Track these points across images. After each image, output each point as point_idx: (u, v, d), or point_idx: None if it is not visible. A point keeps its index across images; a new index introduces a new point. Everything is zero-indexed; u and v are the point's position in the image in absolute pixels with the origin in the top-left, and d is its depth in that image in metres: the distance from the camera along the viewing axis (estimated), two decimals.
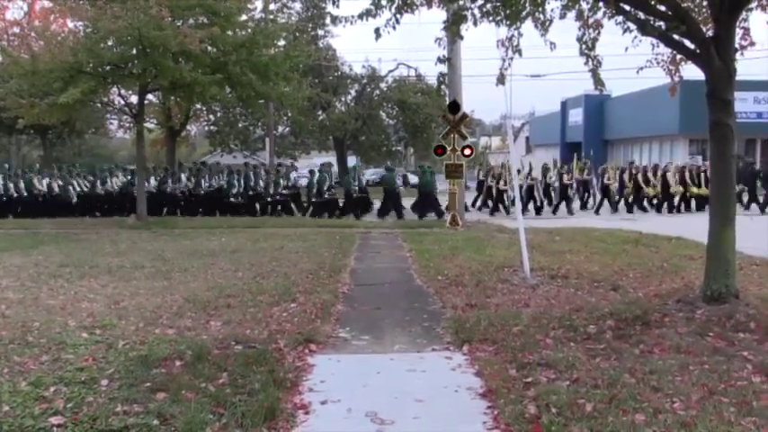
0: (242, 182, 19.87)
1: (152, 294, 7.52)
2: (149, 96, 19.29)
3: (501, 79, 7.27)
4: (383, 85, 35.00)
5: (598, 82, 7.24)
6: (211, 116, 31.93)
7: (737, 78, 6.45)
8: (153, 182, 19.98)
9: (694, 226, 10.90)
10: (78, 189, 19.66)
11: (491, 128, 66.33)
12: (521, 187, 20.05)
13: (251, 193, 19.69)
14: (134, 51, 15.40)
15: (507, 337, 5.53)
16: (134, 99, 18.45)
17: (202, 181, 19.96)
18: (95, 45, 14.99)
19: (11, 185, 19.44)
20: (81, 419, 3.82)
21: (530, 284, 7.95)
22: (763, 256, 9.60)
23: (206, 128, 35.06)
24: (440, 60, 7.14)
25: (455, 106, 15.01)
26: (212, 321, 6.28)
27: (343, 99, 36.03)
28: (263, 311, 6.63)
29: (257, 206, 19.64)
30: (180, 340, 5.50)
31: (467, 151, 15.11)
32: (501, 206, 20.19)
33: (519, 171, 20.60)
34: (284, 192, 19.89)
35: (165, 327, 6.04)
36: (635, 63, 7.70)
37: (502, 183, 19.90)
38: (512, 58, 7.15)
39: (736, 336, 5.39)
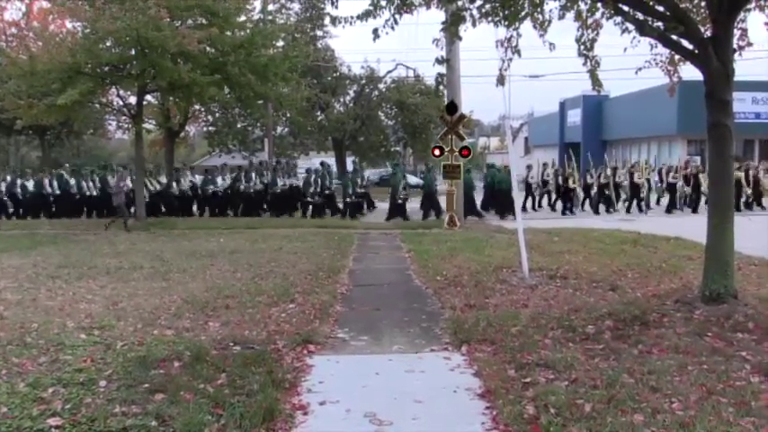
0: (319, 181, 19.57)
1: (150, 295, 7.51)
2: (148, 97, 19.28)
3: (501, 80, 7.28)
4: (382, 86, 34.97)
5: (596, 82, 7.25)
6: (210, 117, 31.87)
7: (736, 79, 6.46)
8: (221, 181, 20.14)
9: (693, 226, 10.92)
10: (152, 188, 19.86)
11: (489, 128, 66.36)
12: (589, 186, 20.26)
13: (327, 192, 19.50)
14: (133, 52, 15.39)
15: (506, 337, 5.53)
16: (133, 100, 18.46)
17: (278, 179, 19.89)
18: (94, 46, 14.98)
19: (84, 184, 19.85)
20: (79, 421, 3.82)
21: (528, 285, 7.95)
22: (761, 256, 9.60)
23: (204, 128, 35.01)
24: (438, 61, 7.15)
25: (453, 107, 15.01)
26: (211, 322, 6.27)
27: (341, 100, 36.00)
28: (261, 312, 6.63)
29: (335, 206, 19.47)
30: (178, 341, 5.50)
31: (464, 152, 15.10)
32: (570, 204, 20.32)
33: (591, 170, 20.82)
34: (360, 191, 19.72)
35: (163, 328, 6.03)
36: (633, 63, 7.72)
37: (571, 181, 20.14)
38: (511, 59, 7.17)
39: (734, 336, 5.40)
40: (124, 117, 23.17)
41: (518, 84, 34.46)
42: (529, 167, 22.38)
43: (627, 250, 10.84)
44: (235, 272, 9.17)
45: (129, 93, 18.88)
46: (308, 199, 19.05)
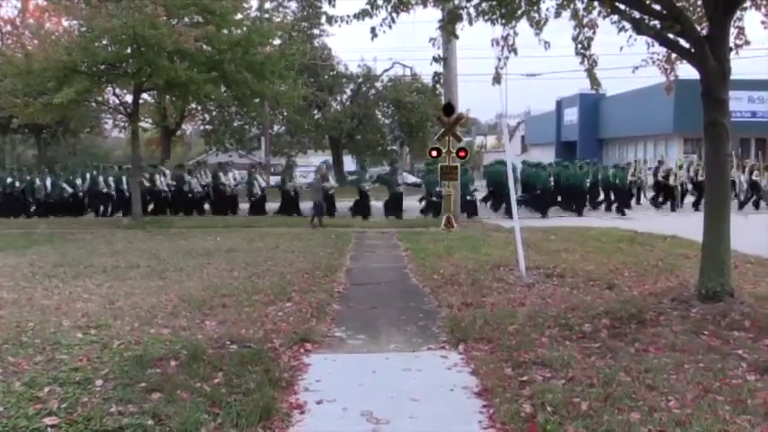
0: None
1: (147, 294, 7.49)
2: (144, 95, 19.28)
3: (497, 79, 7.28)
4: (378, 85, 35.01)
5: (594, 81, 7.26)
6: (206, 115, 31.85)
7: (732, 77, 6.48)
8: (332, 180, 20.29)
9: (689, 225, 10.93)
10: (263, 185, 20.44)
11: (486, 127, 66.42)
12: (681, 184, 20.27)
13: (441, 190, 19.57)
14: (129, 50, 15.36)
15: (503, 335, 5.54)
16: (129, 98, 18.40)
17: (398, 178, 19.78)
18: (90, 44, 14.94)
19: (193, 181, 20.14)
20: (75, 420, 3.81)
21: (525, 283, 7.95)
22: (758, 254, 9.63)
23: (201, 127, 34.98)
24: (435, 60, 7.13)
25: (450, 108, 14.99)
26: (207, 321, 6.26)
27: (338, 98, 36.03)
28: (258, 311, 6.62)
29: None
30: (175, 340, 5.48)
31: (461, 153, 15.09)
32: (669, 201, 20.49)
33: (681, 167, 20.88)
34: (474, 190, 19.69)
35: (160, 326, 6.01)
36: (630, 62, 7.74)
37: (672, 179, 20.29)
38: (507, 58, 7.16)
39: (730, 334, 5.41)
40: (120, 116, 23.17)
41: (515, 82, 34.67)
42: (628, 165, 22.53)
43: (624, 249, 10.87)
44: (232, 270, 9.16)
45: (125, 91, 18.82)
46: (434, 198, 18.88)
